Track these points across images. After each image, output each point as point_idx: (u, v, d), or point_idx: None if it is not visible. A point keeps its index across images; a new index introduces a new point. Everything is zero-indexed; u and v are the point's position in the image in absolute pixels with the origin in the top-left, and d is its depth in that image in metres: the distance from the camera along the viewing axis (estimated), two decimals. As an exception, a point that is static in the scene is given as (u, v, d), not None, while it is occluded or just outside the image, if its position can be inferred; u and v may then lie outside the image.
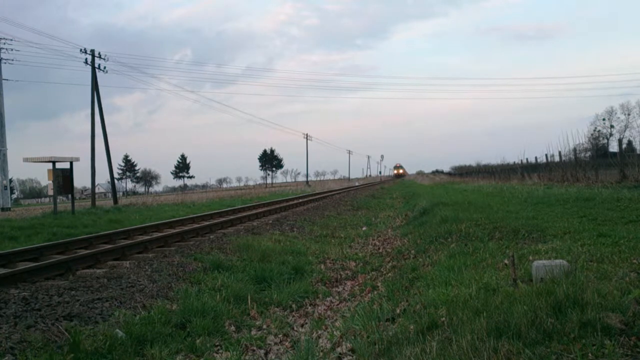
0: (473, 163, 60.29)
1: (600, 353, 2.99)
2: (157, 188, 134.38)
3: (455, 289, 5.15)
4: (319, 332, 5.55)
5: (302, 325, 5.88)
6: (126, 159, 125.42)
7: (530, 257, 5.72)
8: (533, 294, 3.98)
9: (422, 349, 3.72)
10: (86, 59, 30.80)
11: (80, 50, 30.91)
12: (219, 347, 5.07)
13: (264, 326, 5.72)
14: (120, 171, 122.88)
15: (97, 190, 38.30)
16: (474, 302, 4.38)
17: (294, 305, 6.64)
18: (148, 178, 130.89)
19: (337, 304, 6.80)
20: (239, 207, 21.98)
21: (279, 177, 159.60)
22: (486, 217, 10.38)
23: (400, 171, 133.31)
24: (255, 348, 5.05)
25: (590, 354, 2.99)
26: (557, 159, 24.17)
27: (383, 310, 5.52)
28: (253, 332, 5.54)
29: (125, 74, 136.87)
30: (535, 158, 29.12)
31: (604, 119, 66.27)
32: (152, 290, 6.59)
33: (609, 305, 3.55)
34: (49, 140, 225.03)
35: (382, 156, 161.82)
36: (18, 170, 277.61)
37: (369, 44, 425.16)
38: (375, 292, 6.93)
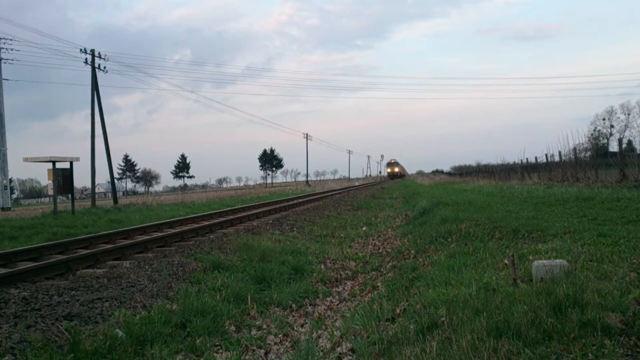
0: (473, 163, 60.27)
1: (600, 353, 2.99)
2: (157, 188, 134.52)
3: (455, 289, 5.15)
4: (319, 332, 5.55)
5: (302, 325, 5.88)
6: (126, 159, 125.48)
7: (530, 257, 5.72)
8: (533, 294, 3.99)
9: (422, 348, 3.72)
10: (86, 59, 30.83)
11: (80, 50, 30.95)
12: (219, 347, 5.07)
13: (264, 326, 5.72)
14: (120, 171, 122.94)
15: (97, 190, 38.31)
16: (474, 302, 4.38)
17: (294, 305, 6.63)
18: (148, 178, 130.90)
19: (337, 304, 6.80)
20: (239, 207, 21.97)
21: (279, 177, 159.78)
22: (486, 217, 10.38)
23: (396, 169, 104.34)
24: (255, 348, 5.05)
25: (590, 354, 2.99)
26: (557, 158, 24.20)
27: (383, 310, 5.52)
28: (253, 332, 5.54)
29: (125, 74, 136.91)
30: (535, 158, 29.17)
31: (604, 119, 66.35)
32: (152, 290, 6.59)
33: (609, 305, 3.55)
34: (49, 140, 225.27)
35: (382, 156, 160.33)
36: (18, 170, 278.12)
37: (369, 44, 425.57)
38: (375, 292, 6.93)
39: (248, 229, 13.27)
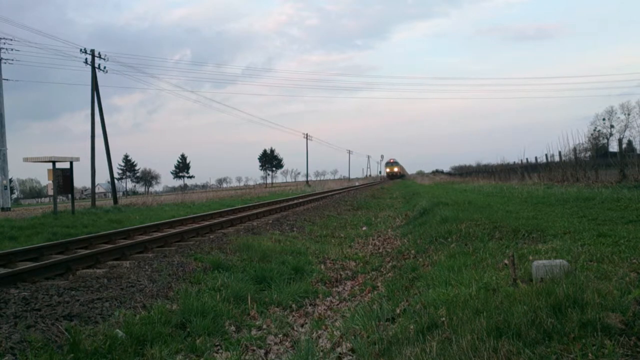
0: (473, 163, 60.20)
1: (600, 353, 2.99)
2: (157, 188, 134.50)
3: (455, 289, 5.15)
4: (319, 332, 5.55)
5: (302, 325, 5.88)
6: (126, 159, 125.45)
7: (530, 257, 5.72)
8: (533, 294, 3.99)
9: (422, 348, 3.72)
10: (86, 59, 30.83)
11: (80, 50, 30.95)
12: (219, 347, 5.07)
13: (264, 326, 5.72)
14: (120, 171, 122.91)
15: (97, 190, 38.31)
16: (474, 302, 4.38)
17: (294, 305, 6.63)
18: (148, 178, 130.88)
19: (337, 304, 6.80)
20: (239, 207, 21.98)
21: (279, 177, 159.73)
22: (486, 217, 10.38)
23: (396, 169, 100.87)
24: (255, 348, 5.05)
25: (590, 354, 2.99)
26: (557, 159, 24.21)
27: (383, 310, 5.52)
28: (253, 332, 5.54)
29: (125, 74, 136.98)
30: (535, 158, 29.18)
31: (604, 119, 66.24)
32: (152, 290, 6.59)
33: (609, 305, 3.55)
34: (49, 140, 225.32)
35: (382, 156, 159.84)
36: (18, 170, 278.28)
37: (369, 44, 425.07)
38: (375, 292, 6.93)
39: (248, 229, 13.27)
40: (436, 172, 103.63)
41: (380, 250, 10.71)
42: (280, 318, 6.00)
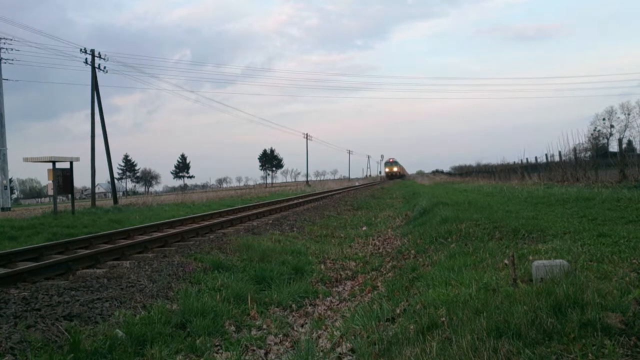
0: (473, 163, 60.28)
1: (600, 353, 2.99)
2: (157, 188, 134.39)
3: (455, 289, 5.15)
4: (319, 332, 5.55)
5: (302, 325, 5.88)
6: (126, 159, 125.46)
7: (530, 257, 5.72)
8: (533, 294, 3.99)
9: (422, 349, 3.72)
10: (86, 59, 30.84)
11: (80, 50, 30.97)
12: (219, 347, 5.07)
13: (264, 326, 5.72)
14: (120, 171, 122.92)
15: (97, 190, 38.31)
16: (474, 302, 4.38)
17: (294, 305, 6.63)
18: (148, 178, 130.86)
19: (337, 304, 6.80)
20: (239, 207, 21.98)
21: (279, 177, 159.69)
22: (486, 217, 10.38)
23: (395, 169, 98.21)
24: (255, 348, 5.05)
25: (590, 354, 2.99)
26: (557, 159, 24.20)
27: (383, 310, 5.52)
28: (253, 332, 5.54)
29: (125, 73, 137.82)
30: (535, 158, 29.16)
31: (604, 119, 66.35)
32: (152, 290, 6.59)
33: (609, 305, 3.55)
34: (49, 140, 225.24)
35: (382, 156, 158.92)
36: (18, 170, 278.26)
37: (369, 44, 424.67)
38: (375, 292, 6.93)
39: (248, 229, 13.27)
40: (436, 172, 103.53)
41: (380, 250, 10.71)
42: (280, 318, 6.00)
